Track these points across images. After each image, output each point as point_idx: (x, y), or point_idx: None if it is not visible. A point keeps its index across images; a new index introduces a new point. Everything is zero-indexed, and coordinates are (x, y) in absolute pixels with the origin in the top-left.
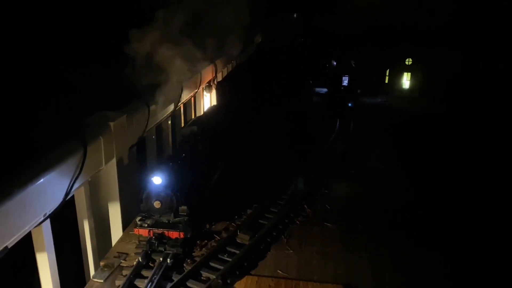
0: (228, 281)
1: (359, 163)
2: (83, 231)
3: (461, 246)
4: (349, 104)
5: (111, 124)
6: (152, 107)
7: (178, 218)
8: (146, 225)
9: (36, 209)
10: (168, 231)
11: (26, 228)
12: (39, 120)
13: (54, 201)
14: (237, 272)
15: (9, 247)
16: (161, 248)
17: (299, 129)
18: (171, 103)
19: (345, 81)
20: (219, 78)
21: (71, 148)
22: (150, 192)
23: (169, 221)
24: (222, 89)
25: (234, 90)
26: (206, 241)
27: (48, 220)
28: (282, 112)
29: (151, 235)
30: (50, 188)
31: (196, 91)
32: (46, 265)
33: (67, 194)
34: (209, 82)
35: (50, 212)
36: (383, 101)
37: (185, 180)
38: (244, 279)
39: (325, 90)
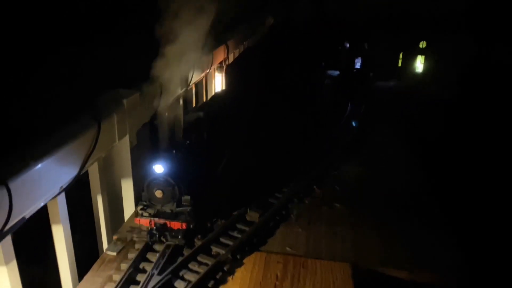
0: (238, 257)
1: (369, 146)
2: (96, 205)
3: (470, 229)
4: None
5: (124, 101)
6: (164, 87)
7: (181, 208)
8: (147, 215)
9: (52, 182)
10: (170, 221)
11: (42, 200)
12: (54, 96)
13: (69, 175)
14: (247, 248)
15: (26, 217)
16: (162, 240)
17: (309, 113)
18: (182, 83)
19: (358, 64)
20: (231, 59)
21: (86, 124)
22: (152, 180)
23: (172, 211)
24: (232, 73)
25: (244, 73)
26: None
27: (63, 194)
28: (293, 95)
29: (152, 226)
30: (65, 162)
31: (208, 71)
32: (61, 236)
33: (81, 168)
34: (221, 63)
35: (65, 186)
36: (395, 84)
37: (189, 168)
38: (253, 255)
39: (337, 72)
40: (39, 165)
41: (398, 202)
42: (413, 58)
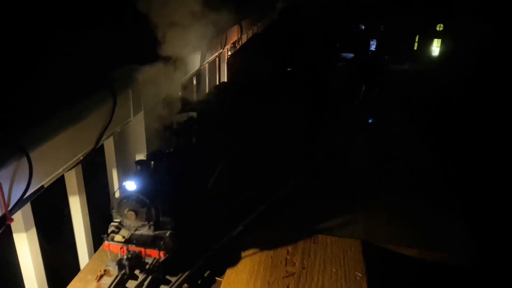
0: (250, 230)
1: (383, 128)
2: (111, 179)
3: (480, 210)
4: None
5: (139, 77)
6: (177, 65)
7: (159, 232)
8: (120, 238)
9: (70, 153)
10: (145, 248)
11: (60, 170)
12: (73, 71)
13: (86, 147)
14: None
15: (45, 186)
16: (135, 273)
17: (323, 96)
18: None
19: (373, 46)
20: (244, 39)
21: (102, 98)
22: (122, 199)
23: (149, 235)
24: (236, 63)
25: (250, 62)
26: None
27: (79, 166)
28: (306, 80)
29: (123, 253)
30: (83, 134)
31: (221, 52)
32: (77, 207)
33: (97, 141)
34: (234, 43)
35: (82, 157)
36: (410, 68)
37: (173, 182)
38: (264, 230)
39: (351, 55)
40: (58, 136)
41: (409, 182)
42: (430, 41)
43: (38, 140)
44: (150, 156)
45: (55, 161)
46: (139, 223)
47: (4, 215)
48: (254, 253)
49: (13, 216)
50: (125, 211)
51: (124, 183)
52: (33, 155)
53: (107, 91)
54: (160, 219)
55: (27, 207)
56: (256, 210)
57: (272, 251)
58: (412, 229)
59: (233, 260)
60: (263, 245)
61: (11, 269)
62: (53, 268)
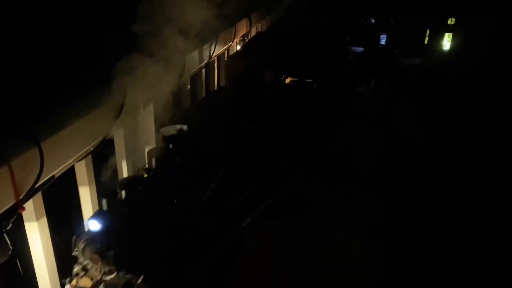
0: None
1: (388, 120)
2: (121, 169)
3: (483, 208)
4: None
5: (149, 69)
6: (187, 57)
7: (131, 276)
8: (88, 282)
9: (80, 144)
10: None
11: (70, 161)
12: (83, 64)
13: (96, 137)
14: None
15: (56, 176)
16: None
17: (329, 96)
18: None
19: (383, 40)
20: (253, 32)
21: (112, 90)
22: (88, 240)
23: (122, 279)
24: (233, 67)
25: (252, 65)
26: None
27: (89, 157)
28: (315, 74)
29: None
30: (93, 125)
31: (230, 45)
32: (87, 197)
33: (107, 132)
34: (243, 36)
35: (92, 149)
36: (421, 62)
37: (148, 215)
38: (270, 223)
39: (361, 49)
40: (69, 127)
41: (412, 180)
42: (441, 35)
43: (49, 130)
44: (121, 184)
45: (66, 151)
46: (107, 268)
47: (15, 204)
48: (259, 247)
49: (24, 205)
50: (89, 254)
51: (87, 222)
52: (44, 145)
53: (117, 82)
54: (131, 262)
55: (38, 197)
56: (263, 204)
57: (277, 245)
58: (415, 227)
59: (242, 253)
60: (269, 238)
61: (22, 257)
62: (63, 257)
